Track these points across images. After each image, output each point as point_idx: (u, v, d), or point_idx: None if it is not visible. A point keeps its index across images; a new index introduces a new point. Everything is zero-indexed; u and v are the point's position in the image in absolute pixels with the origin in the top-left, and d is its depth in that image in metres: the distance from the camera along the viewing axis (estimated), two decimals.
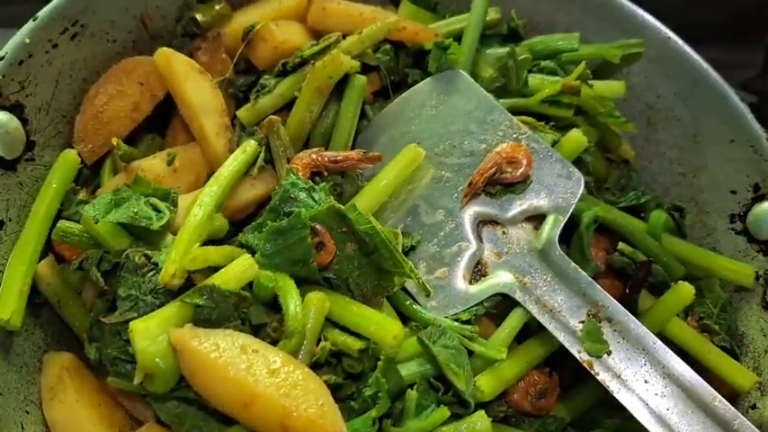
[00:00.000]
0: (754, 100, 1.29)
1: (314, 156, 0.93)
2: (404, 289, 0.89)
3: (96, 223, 0.80)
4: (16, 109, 0.87)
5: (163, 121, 1.03)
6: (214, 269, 0.80)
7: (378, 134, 1.01)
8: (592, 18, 1.15)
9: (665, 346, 0.82)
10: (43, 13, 0.91)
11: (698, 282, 0.98)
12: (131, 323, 0.73)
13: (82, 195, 0.91)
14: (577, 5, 1.15)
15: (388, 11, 1.13)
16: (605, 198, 1.03)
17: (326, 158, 0.93)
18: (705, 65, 1.08)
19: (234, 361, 0.71)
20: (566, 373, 0.91)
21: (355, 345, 0.78)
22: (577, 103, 1.00)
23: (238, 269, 0.79)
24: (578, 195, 0.90)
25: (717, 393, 0.80)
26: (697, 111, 1.08)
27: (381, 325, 0.78)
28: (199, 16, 1.04)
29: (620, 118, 1.04)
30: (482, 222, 0.93)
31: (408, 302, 0.89)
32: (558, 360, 0.89)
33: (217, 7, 1.05)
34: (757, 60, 1.50)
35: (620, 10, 1.13)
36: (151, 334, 0.72)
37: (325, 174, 0.94)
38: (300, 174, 0.90)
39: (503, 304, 0.89)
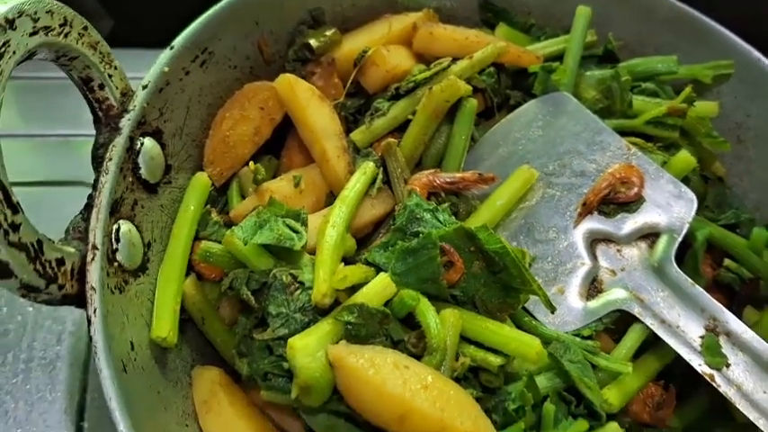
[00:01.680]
0: None
1: (431, 177, 0.98)
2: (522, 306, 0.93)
3: (245, 245, 0.84)
4: (157, 135, 0.92)
5: (274, 143, 1.07)
6: (352, 288, 0.84)
7: (484, 154, 1.05)
8: (683, 39, 1.18)
9: None
10: (178, 41, 0.95)
11: None
12: (290, 340, 0.77)
13: (215, 216, 0.95)
14: (669, 28, 1.19)
15: (487, 33, 1.17)
16: (705, 215, 1.07)
17: (443, 180, 0.98)
18: None
19: (390, 376, 0.75)
20: (676, 383, 0.95)
21: (495, 361, 0.82)
22: (681, 124, 1.04)
23: (380, 287, 0.83)
24: (692, 214, 0.94)
25: None
26: None
27: (523, 342, 0.82)
28: (312, 42, 1.08)
29: (718, 137, 1.08)
30: (596, 240, 0.97)
31: (527, 318, 0.93)
32: (669, 371, 0.93)
33: (328, 33, 1.10)
34: None
35: (711, 32, 1.17)
36: (311, 351, 0.76)
37: (442, 195, 0.98)
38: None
39: (619, 321, 0.93)
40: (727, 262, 1.01)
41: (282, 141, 1.08)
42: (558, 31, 1.19)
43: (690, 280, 0.91)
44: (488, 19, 1.23)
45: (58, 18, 0.76)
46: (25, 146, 1.41)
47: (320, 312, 0.82)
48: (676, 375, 0.94)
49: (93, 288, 0.74)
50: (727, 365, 0.87)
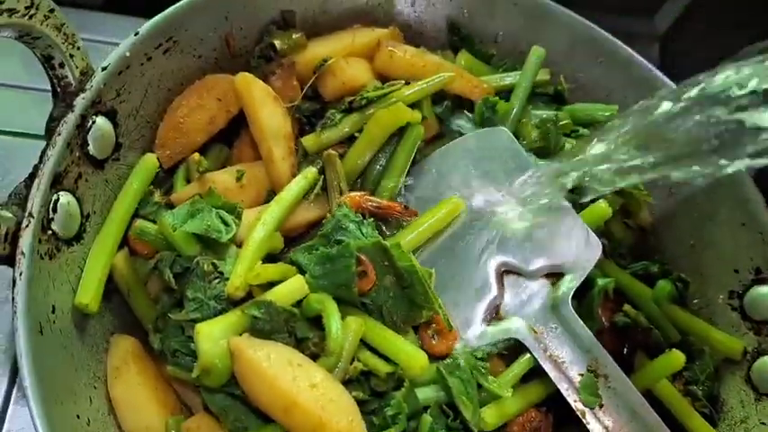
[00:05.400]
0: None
1: (360, 198, 1.04)
2: None
3: (174, 231, 0.91)
4: (111, 114, 0.98)
5: (230, 131, 1.13)
6: (270, 283, 0.91)
7: (420, 178, 1.11)
8: (632, 90, 1.24)
9: (651, 409, 0.93)
10: (144, 29, 1.00)
11: (690, 347, 1.09)
12: (197, 325, 0.84)
13: (157, 197, 1.01)
14: (622, 75, 1.25)
15: (447, 58, 1.23)
16: (617, 261, 1.14)
17: (371, 204, 1.04)
18: None
19: (281, 372, 0.82)
20: (558, 413, 1.02)
21: (385, 368, 0.89)
22: None
23: (292, 288, 0.90)
24: (594, 261, 1.01)
25: None
26: (716, 193, 1.17)
27: (411, 355, 0.90)
28: (277, 42, 1.14)
29: (642, 191, 1.15)
30: (506, 271, 1.04)
31: None
32: (553, 398, 1.01)
33: (294, 36, 1.15)
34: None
35: (662, 88, 1.22)
36: (214, 337, 0.84)
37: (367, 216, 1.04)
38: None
39: (513, 347, 1.00)
40: (626, 307, 1.08)
41: (238, 132, 1.14)
42: (518, 64, 1.25)
43: (581, 322, 0.98)
44: (454, 42, 1.29)
45: (25, 1, 0.82)
46: (26, 98, 1.46)
47: (233, 303, 0.90)
48: (560, 405, 1.01)
49: (22, 253, 0.81)
50: (600, 406, 0.94)
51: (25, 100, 1.45)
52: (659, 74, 1.24)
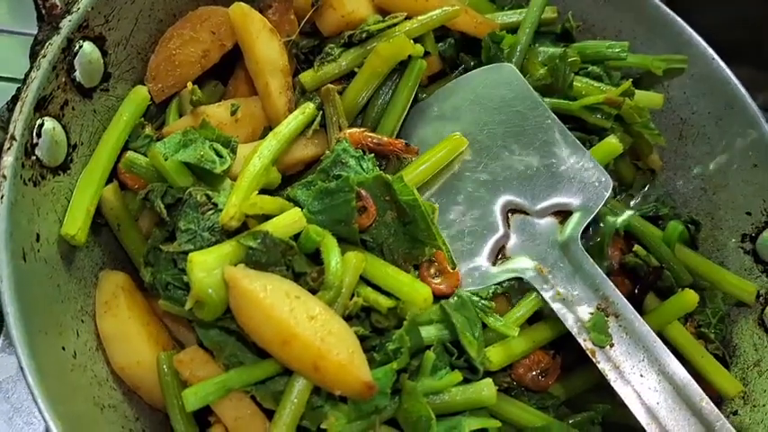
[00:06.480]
0: None
1: (359, 135, 1.00)
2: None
3: (165, 160, 0.86)
4: (99, 41, 0.93)
5: (225, 69, 1.09)
6: (266, 217, 0.87)
7: (423, 115, 1.07)
8: (643, 28, 1.20)
9: (664, 346, 0.89)
10: None
11: (702, 291, 1.05)
12: (190, 254, 0.80)
13: (148, 130, 0.97)
14: (631, 14, 1.21)
15: None
16: (627, 202, 1.10)
17: (371, 140, 0.99)
18: (743, 90, 1.13)
19: (279, 303, 0.78)
20: (567, 356, 0.99)
21: (386, 303, 0.85)
22: (617, 113, 1.06)
23: (289, 220, 0.86)
24: (604, 199, 0.97)
25: (705, 395, 0.87)
26: (727, 132, 1.14)
27: (414, 287, 0.86)
28: None
29: (654, 130, 1.10)
30: (511, 210, 1.00)
31: None
32: (562, 343, 0.97)
33: None
34: None
35: (671, 25, 1.18)
36: (208, 267, 0.79)
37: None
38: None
39: (519, 287, 0.97)
40: (636, 247, 1.04)
41: (232, 69, 1.10)
42: (524, 2, 1.20)
43: (591, 260, 0.94)
44: None
45: None
46: (14, 42, 1.43)
47: (228, 234, 0.85)
48: (568, 348, 0.98)
49: (3, 176, 0.77)
50: (611, 345, 0.90)
51: (13, 44, 1.40)
52: (668, 12, 1.20)
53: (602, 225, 0.99)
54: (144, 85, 1.00)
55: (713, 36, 1.18)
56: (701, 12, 1.22)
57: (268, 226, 0.84)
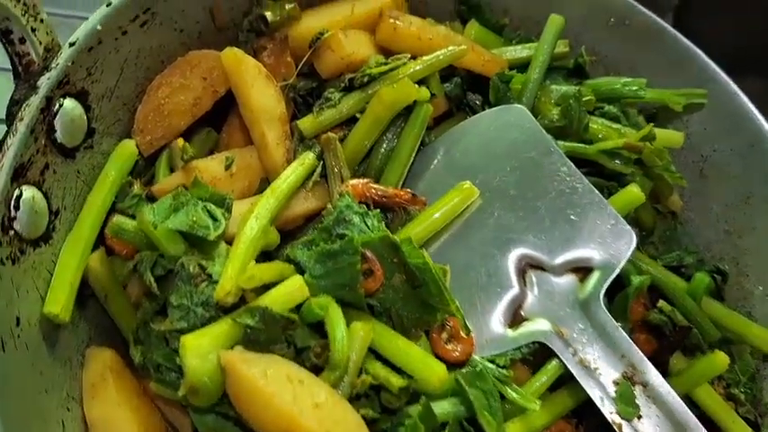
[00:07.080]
0: None
1: (362, 187, 0.93)
2: None
3: (155, 228, 0.80)
4: (81, 96, 0.87)
5: (218, 114, 1.02)
6: (264, 285, 0.81)
7: (431, 161, 1.01)
8: (660, 62, 1.13)
9: (697, 421, 0.83)
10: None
11: (729, 346, 0.99)
12: (183, 338, 0.74)
13: (137, 188, 0.90)
14: (647, 47, 1.14)
15: (456, 29, 1.11)
16: (649, 252, 1.03)
17: (375, 192, 0.93)
18: (767, 126, 1.07)
19: (280, 390, 0.72)
20: (589, 423, 0.92)
21: (398, 383, 0.79)
22: (636, 157, 0.99)
23: (289, 290, 0.79)
24: (628, 255, 0.90)
25: None
26: (752, 172, 1.07)
27: (427, 365, 0.80)
28: (269, 15, 1.02)
29: (675, 173, 1.04)
30: (528, 265, 0.93)
31: None
32: (584, 410, 0.91)
33: (287, 7, 1.03)
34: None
35: (689, 58, 1.12)
36: (202, 351, 0.73)
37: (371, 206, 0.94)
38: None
39: (538, 352, 0.90)
40: (661, 303, 0.97)
41: (226, 114, 1.03)
42: (533, 35, 1.14)
43: (615, 323, 0.87)
44: (462, 12, 1.17)
45: None
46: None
47: (223, 310, 0.79)
48: (589, 413, 0.91)
49: None
50: (639, 417, 0.84)
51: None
52: (686, 42, 1.13)
53: (625, 284, 0.93)
54: (131, 138, 0.93)
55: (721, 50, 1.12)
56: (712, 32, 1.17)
57: (266, 300, 0.78)
